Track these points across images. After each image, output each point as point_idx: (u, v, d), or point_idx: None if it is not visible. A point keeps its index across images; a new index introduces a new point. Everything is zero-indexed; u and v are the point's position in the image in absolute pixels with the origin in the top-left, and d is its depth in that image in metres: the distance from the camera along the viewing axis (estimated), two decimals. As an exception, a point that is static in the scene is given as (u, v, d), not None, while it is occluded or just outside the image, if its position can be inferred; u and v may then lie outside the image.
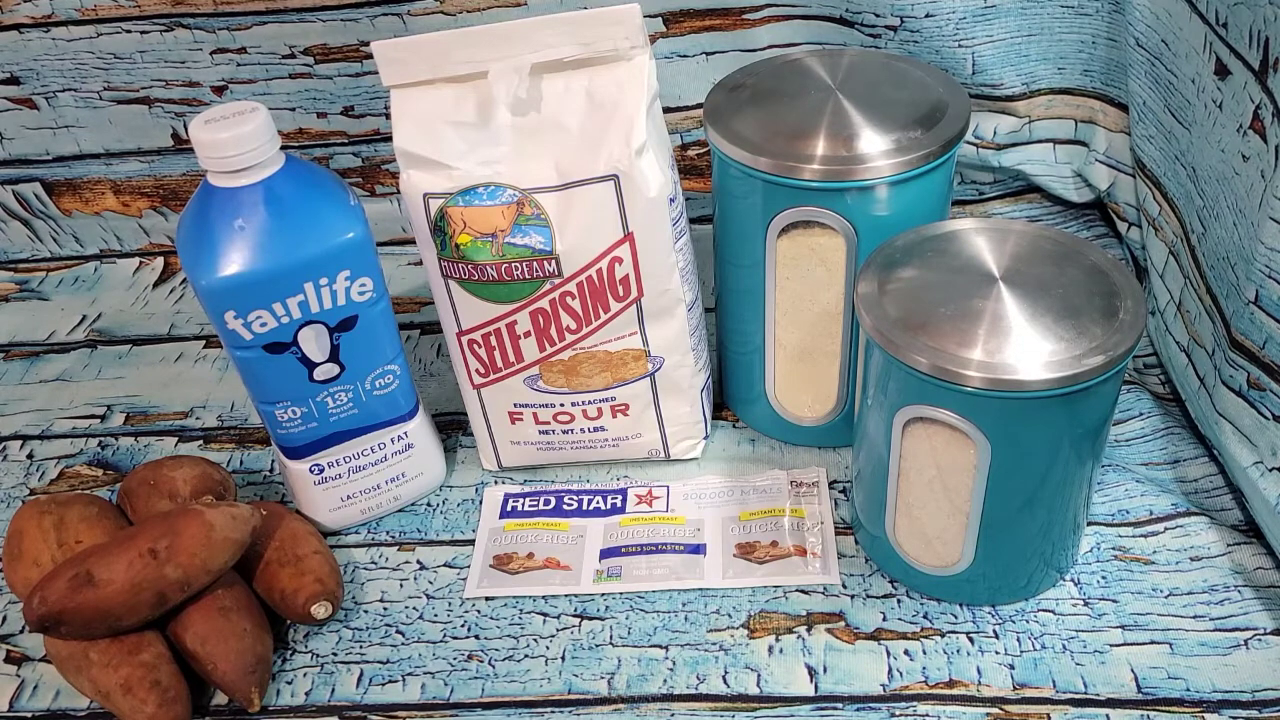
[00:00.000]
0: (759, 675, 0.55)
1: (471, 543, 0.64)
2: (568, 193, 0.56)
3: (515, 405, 0.64)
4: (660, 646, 0.57)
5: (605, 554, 0.62)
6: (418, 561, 0.63)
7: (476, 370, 0.63)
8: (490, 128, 0.56)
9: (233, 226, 0.53)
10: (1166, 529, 0.61)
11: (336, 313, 0.57)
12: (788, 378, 0.65)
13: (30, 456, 0.73)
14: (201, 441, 0.73)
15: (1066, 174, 0.81)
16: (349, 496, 0.63)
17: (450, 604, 0.60)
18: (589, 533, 0.63)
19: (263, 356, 0.56)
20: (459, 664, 0.57)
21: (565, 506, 0.65)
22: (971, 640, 0.56)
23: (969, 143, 0.80)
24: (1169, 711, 0.52)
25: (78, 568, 0.52)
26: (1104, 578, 0.59)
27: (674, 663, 0.56)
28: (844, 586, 0.59)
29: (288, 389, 0.58)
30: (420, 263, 0.71)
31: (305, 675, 0.57)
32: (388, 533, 0.65)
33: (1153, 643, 0.55)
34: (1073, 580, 0.59)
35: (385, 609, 0.60)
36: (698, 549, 0.62)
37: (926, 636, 0.57)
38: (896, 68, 0.63)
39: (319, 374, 0.58)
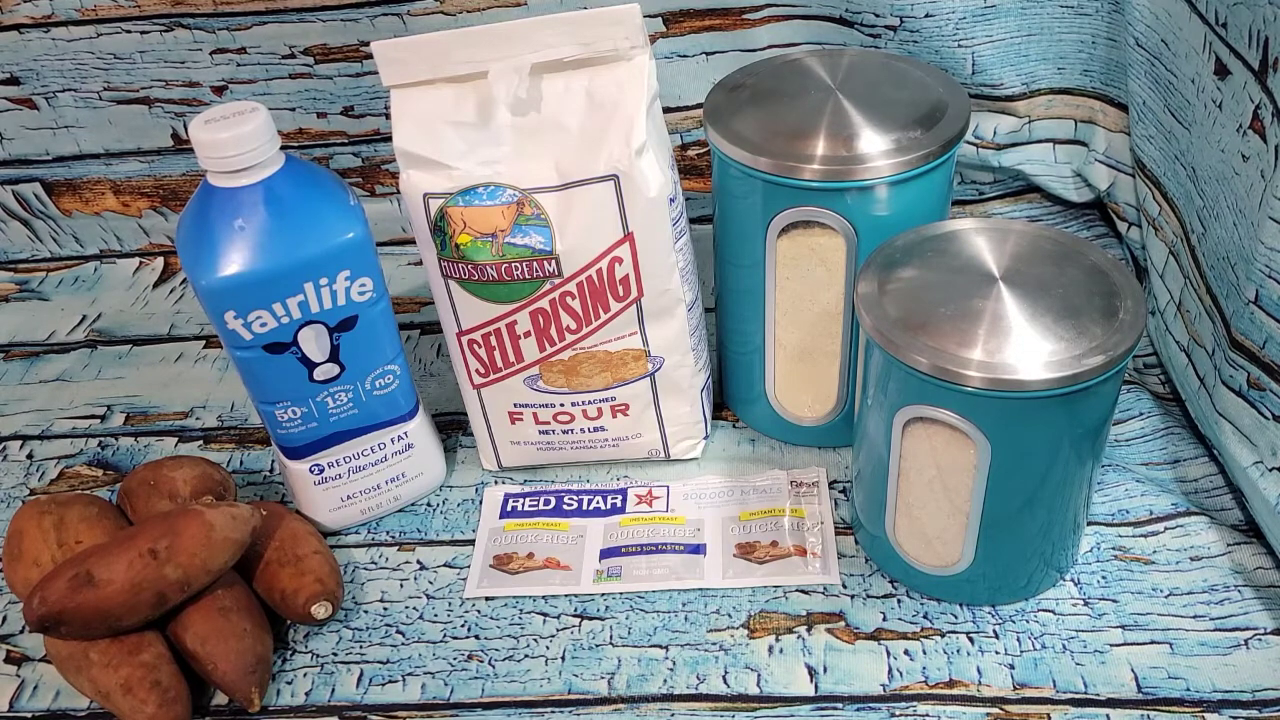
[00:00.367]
0: (759, 675, 0.55)
1: (471, 543, 0.64)
2: (568, 193, 0.56)
3: (515, 405, 0.64)
4: (660, 646, 0.57)
5: (605, 554, 0.62)
6: (418, 561, 0.63)
7: (476, 370, 0.63)
8: (490, 128, 0.56)
9: (233, 226, 0.53)
10: (1166, 529, 0.61)
11: (336, 313, 0.57)
12: (788, 378, 0.65)
13: (30, 456, 0.73)
14: (201, 441, 0.73)
15: (1066, 174, 0.81)
16: (349, 496, 0.63)
17: (450, 604, 0.60)
18: (589, 533, 0.63)
19: (263, 356, 0.56)
20: (459, 664, 0.57)
21: (565, 506, 0.65)
22: (971, 640, 0.56)
23: (969, 143, 0.80)
24: (1169, 711, 0.52)
25: (78, 568, 0.52)
26: (1104, 578, 0.59)
27: (674, 663, 0.56)
28: (844, 586, 0.59)
29: (288, 389, 0.58)
30: (420, 263, 0.71)
31: (305, 675, 0.57)
32: (388, 533, 0.65)
33: (1153, 643, 0.55)
34: (1073, 580, 0.59)
35: (385, 609, 0.60)
36: (698, 549, 0.62)
37: (926, 636, 0.57)
38: (896, 68, 0.63)
39: (319, 374, 0.58)
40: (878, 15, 0.75)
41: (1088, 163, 0.80)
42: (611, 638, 0.58)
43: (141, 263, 0.90)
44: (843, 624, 0.57)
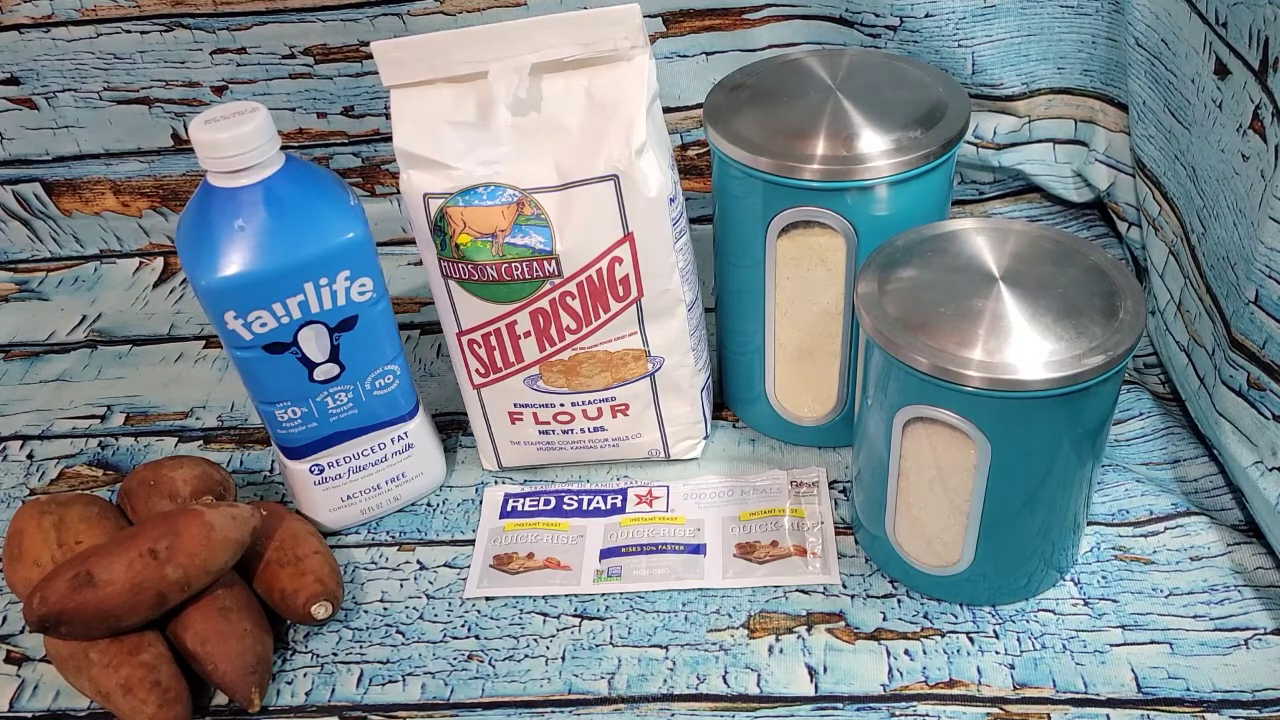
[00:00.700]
0: (759, 675, 0.55)
1: (471, 543, 0.64)
2: (568, 193, 0.56)
3: (515, 405, 0.64)
4: (660, 646, 0.57)
5: (605, 554, 0.62)
6: (418, 561, 0.63)
7: (476, 370, 0.63)
8: (490, 128, 0.56)
9: (233, 227, 0.53)
10: (1166, 529, 0.61)
11: (336, 313, 0.57)
12: (788, 378, 0.65)
13: (30, 457, 0.73)
14: (201, 441, 0.73)
15: (1066, 174, 0.81)
16: (349, 496, 0.63)
17: (450, 604, 0.60)
18: (589, 533, 0.63)
19: (263, 356, 0.56)
20: (459, 664, 0.57)
21: (565, 506, 0.65)
22: (971, 640, 0.56)
23: (969, 143, 0.80)
24: (1169, 711, 0.52)
25: (78, 568, 0.52)
26: (1104, 577, 0.59)
27: (674, 663, 0.56)
28: (844, 586, 0.59)
29: (288, 389, 0.58)
30: (420, 263, 0.71)
31: (305, 675, 0.57)
32: (388, 533, 0.65)
33: (1153, 642, 0.55)
34: (1073, 580, 0.59)
35: (385, 609, 0.60)
36: (698, 549, 0.62)
37: (927, 636, 0.57)
38: (896, 68, 0.63)
39: (319, 374, 0.58)
40: (878, 15, 0.75)
41: (1088, 163, 0.80)
42: (611, 638, 0.58)
43: (141, 263, 0.90)
44: (843, 624, 0.57)
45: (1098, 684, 0.54)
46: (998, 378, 0.48)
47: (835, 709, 0.54)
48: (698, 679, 0.55)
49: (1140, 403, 0.69)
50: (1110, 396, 0.52)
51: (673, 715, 0.54)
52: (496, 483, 0.68)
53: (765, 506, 0.64)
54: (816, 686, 0.55)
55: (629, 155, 0.55)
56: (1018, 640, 0.56)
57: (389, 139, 0.58)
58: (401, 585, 0.62)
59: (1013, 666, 0.55)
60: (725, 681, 0.55)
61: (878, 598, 0.59)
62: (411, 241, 0.75)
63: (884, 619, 0.57)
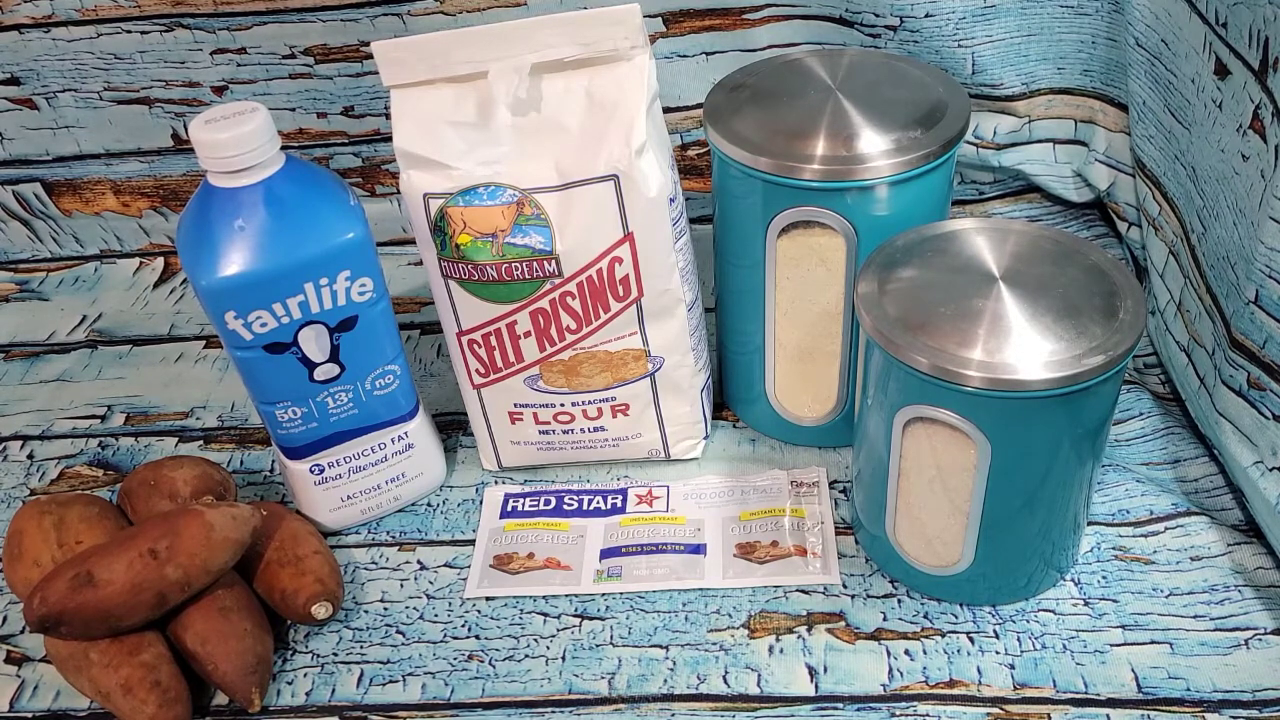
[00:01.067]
0: (759, 675, 0.55)
1: (472, 543, 0.64)
2: (568, 193, 0.56)
3: (515, 405, 0.64)
4: (660, 646, 0.57)
5: (605, 554, 0.62)
6: (418, 561, 0.63)
7: (476, 370, 0.63)
8: (490, 128, 0.56)
9: (233, 227, 0.53)
10: (1166, 529, 0.61)
11: (336, 313, 0.57)
12: (788, 378, 0.65)
13: (30, 457, 0.73)
14: (201, 442, 0.73)
15: (1066, 174, 0.81)
16: (349, 496, 0.63)
17: (450, 604, 0.60)
18: (589, 533, 0.63)
19: (263, 356, 0.56)
20: (459, 664, 0.57)
21: (565, 506, 0.65)
22: (972, 640, 0.56)
23: (969, 143, 0.80)
24: (1169, 711, 0.52)
25: (78, 568, 0.52)
26: (1104, 578, 0.59)
27: (674, 663, 0.56)
28: (844, 586, 0.59)
29: (288, 389, 0.58)
30: (420, 263, 0.71)
31: (305, 675, 0.57)
32: (388, 533, 0.65)
33: (1153, 642, 0.55)
34: (1073, 580, 0.59)
35: (385, 609, 0.60)
36: (698, 549, 0.62)
37: (927, 636, 0.57)
38: (896, 68, 0.63)
39: (319, 374, 0.58)
40: (878, 15, 0.75)
41: (1088, 163, 0.80)
42: (612, 638, 0.58)
43: (142, 263, 0.90)
44: (843, 624, 0.57)
45: (1098, 684, 0.54)
46: (998, 378, 0.48)
47: (835, 709, 0.54)
48: (698, 679, 0.55)
49: (1140, 403, 0.69)
50: (1110, 396, 0.52)
51: (673, 715, 0.54)
52: (497, 483, 0.68)
53: (765, 506, 0.64)
54: (817, 686, 0.55)
55: (629, 155, 0.55)
56: (1018, 640, 0.56)
57: (389, 139, 0.58)
58: (402, 585, 0.62)
59: (1013, 666, 0.55)
60: (725, 681, 0.55)
61: (878, 598, 0.59)
62: (411, 241, 0.75)
63: (884, 619, 0.57)
